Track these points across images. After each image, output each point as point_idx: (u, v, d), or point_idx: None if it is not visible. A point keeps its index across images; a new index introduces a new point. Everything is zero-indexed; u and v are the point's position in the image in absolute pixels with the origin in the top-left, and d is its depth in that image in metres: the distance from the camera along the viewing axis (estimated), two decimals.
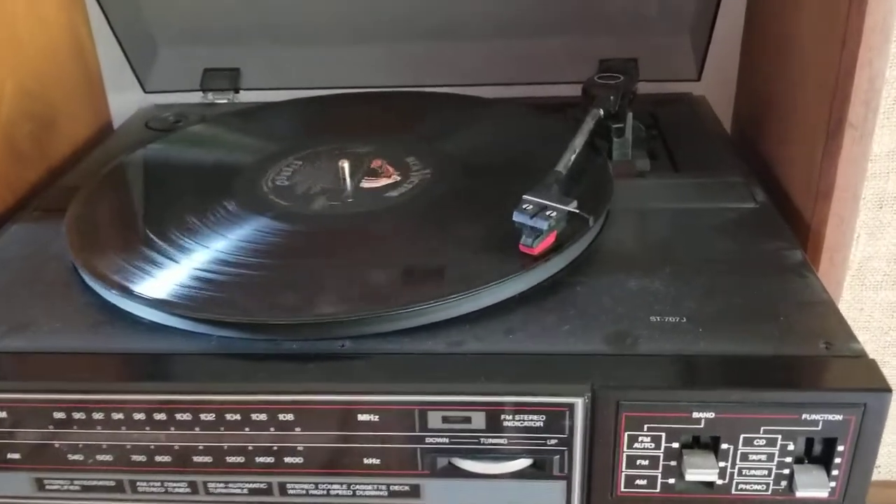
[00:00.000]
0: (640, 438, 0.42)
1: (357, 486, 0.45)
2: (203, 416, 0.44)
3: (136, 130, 0.79)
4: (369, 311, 0.46)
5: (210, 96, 0.82)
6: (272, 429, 0.44)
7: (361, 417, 0.43)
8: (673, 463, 0.43)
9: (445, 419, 0.43)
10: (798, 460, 0.43)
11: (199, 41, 0.81)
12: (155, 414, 0.44)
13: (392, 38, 0.79)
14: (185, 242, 0.53)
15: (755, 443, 0.42)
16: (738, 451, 0.42)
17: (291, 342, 0.46)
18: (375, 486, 0.45)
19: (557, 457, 0.43)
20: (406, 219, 0.55)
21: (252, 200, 0.58)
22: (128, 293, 0.48)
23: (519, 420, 0.42)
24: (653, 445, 0.42)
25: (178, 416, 0.44)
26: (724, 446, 0.42)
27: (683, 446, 0.43)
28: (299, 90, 0.78)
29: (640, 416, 0.42)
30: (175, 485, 0.46)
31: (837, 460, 0.42)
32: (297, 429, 0.44)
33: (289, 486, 0.46)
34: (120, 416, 0.44)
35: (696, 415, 0.41)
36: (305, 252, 0.52)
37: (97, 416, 0.44)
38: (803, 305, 0.47)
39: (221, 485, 0.46)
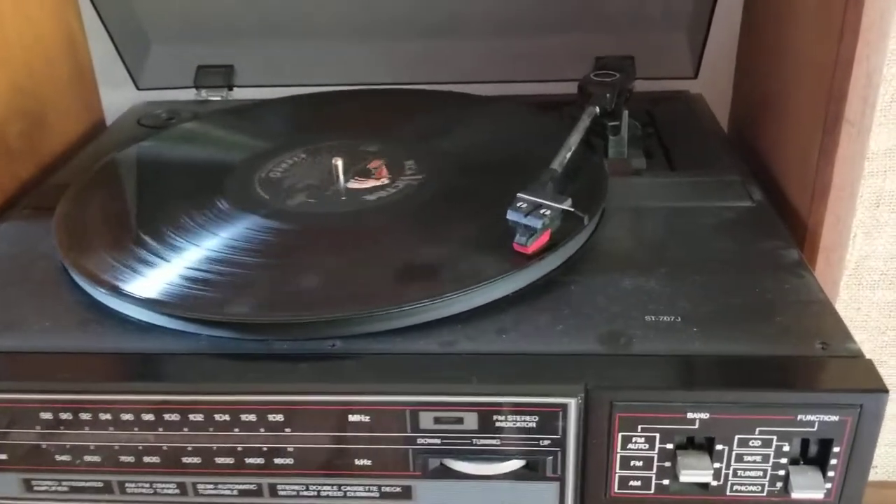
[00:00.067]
0: (634, 439, 0.42)
1: (348, 488, 0.45)
2: (192, 417, 0.43)
3: (128, 127, 0.78)
4: (360, 311, 0.45)
5: (204, 93, 0.81)
6: (262, 429, 0.43)
7: (353, 418, 0.43)
8: (667, 464, 0.42)
9: (437, 420, 0.42)
10: (793, 461, 0.42)
11: (193, 38, 0.81)
12: (144, 414, 0.43)
13: (388, 35, 0.79)
14: (176, 241, 0.53)
15: (750, 444, 0.42)
16: (733, 452, 0.42)
17: (282, 342, 0.45)
18: (367, 488, 0.45)
19: (551, 458, 0.43)
20: (400, 217, 0.55)
21: (244, 199, 0.57)
22: (117, 292, 0.48)
23: (512, 421, 0.42)
24: (647, 446, 0.42)
25: (168, 417, 0.43)
26: (718, 447, 0.42)
27: (678, 447, 0.42)
28: (293, 87, 0.78)
29: (634, 417, 0.41)
30: (164, 486, 0.46)
31: (833, 461, 0.42)
32: (288, 429, 0.43)
33: (279, 487, 0.45)
34: (108, 416, 0.44)
35: (690, 415, 0.41)
36: (297, 251, 0.52)
37: (85, 416, 0.44)
38: (799, 305, 0.47)
39: (211, 486, 0.45)
